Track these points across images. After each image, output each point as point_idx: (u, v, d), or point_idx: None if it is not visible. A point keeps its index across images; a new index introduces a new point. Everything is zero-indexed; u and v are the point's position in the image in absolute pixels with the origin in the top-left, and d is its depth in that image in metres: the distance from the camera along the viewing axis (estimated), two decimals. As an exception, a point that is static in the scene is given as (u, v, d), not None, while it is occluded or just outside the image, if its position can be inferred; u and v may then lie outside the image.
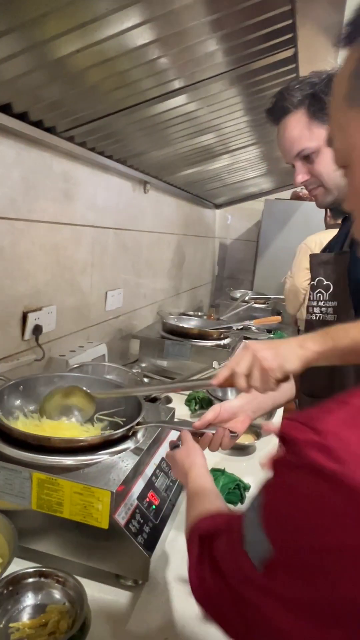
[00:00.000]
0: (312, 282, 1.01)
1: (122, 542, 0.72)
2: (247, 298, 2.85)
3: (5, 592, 0.65)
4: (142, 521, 0.76)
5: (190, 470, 0.71)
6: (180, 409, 1.50)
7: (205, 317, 2.59)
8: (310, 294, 1.01)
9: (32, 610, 0.64)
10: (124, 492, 0.76)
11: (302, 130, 0.93)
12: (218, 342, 1.76)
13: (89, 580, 0.74)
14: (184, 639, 0.67)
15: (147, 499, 0.81)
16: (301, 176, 0.96)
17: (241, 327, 1.89)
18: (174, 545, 0.84)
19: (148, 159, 1.73)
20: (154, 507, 0.81)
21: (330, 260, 0.97)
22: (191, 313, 2.67)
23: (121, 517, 0.73)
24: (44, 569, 0.68)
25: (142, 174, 1.84)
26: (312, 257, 1.03)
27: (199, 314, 2.72)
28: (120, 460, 0.81)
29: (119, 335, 1.91)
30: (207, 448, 0.85)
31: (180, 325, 1.82)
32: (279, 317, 1.96)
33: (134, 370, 1.66)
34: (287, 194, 3.41)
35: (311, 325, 0.99)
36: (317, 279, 0.99)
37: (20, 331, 1.25)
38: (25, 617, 0.63)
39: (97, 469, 0.77)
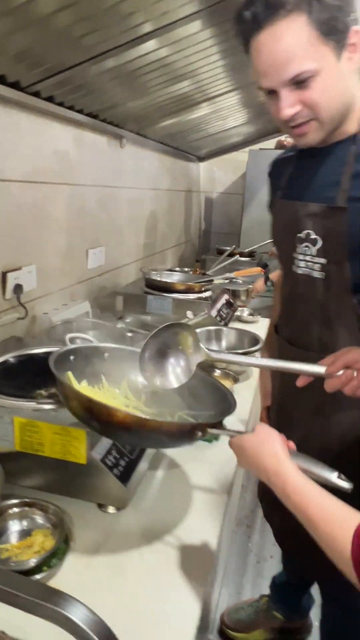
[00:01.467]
0: (298, 234, 0.91)
1: (99, 474, 0.80)
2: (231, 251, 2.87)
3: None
4: (118, 456, 0.83)
5: (279, 464, 0.60)
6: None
7: (190, 272, 2.62)
8: (295, 247, 0.92)
9: (20, 535, 0.72)
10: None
11: (303, 44, 0.72)
12: (199, 295, 1.80)
13: (75, 509, 0.82)
14: (157, 554, 0.75)
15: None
16: (290, 107, 0.76)
17: (222, 279, 1.93)
18: (151, 479, 0.93)
19: (122, 112, 1.70)
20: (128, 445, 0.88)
21: (321, 213, 0.86)
22: (177, 269, 2.70)
23: (98, 453, 0.80)
24: (27, 500, 0.75)
25: (117, 127, 1.82)
26: (300, 207, 0.90)
27: (185, 269, 2.75)
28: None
29: (104, 293, 1.95)
30: (344, 390, 0.72)
31: (161, 280, 1.85)
32: (259, 269, 2.00)
33: (119, 325, 1.72)
34: (271, 143, 3.35)
35: (295, 279, 0.94)
36: (305, 231, 0.90)
37: (1, 290, 1.29)
38: (13, 540, 0.71)
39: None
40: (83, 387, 0.82)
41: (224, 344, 1.62)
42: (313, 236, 0.89)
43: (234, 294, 2.06)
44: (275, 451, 0.62)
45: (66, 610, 0.48)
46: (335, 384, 0.71)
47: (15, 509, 0.74)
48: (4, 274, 1.29)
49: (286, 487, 0.58)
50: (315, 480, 0.60)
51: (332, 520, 0.54)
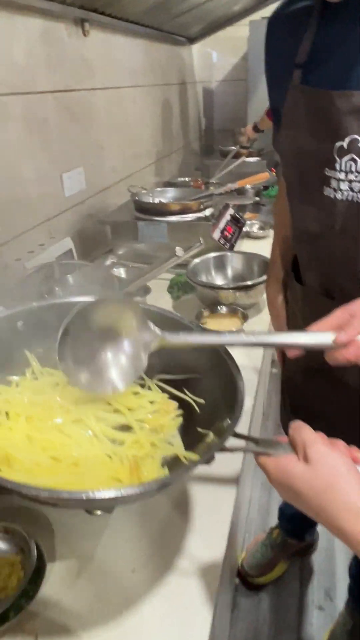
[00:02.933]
0: (338, 143, 0.65)
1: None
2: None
3: None
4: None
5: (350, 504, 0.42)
6: (161, 296, 1.37)
7: (191, 184, 2.30)
8: (333, 161, 0.66)
9: (-19, 566, 0.59)
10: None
11: None
12: (198, 215, 1.54)
13: (59, 511, 0.69)
14: (151, 569, 0.62)
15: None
16: None
17: (223, 192, 1.64)
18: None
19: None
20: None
21: None
22: (174, 182, 2.38)
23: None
24: (-11, 522, 0.61)
25: (76, 8, 1.43)
26: (340, 99, 0.62)
27: (186, 179, 2.43)
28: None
29: (90, 224, 1.70)
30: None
31: (152, 201, 1.58)
32: (267, 175, 1.69)
33: (109, 262, 1.50)
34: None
35: (329, 209, 0.68)
36: (350, 137, 0.63)
37: None
38: (-26, 574, 0.59)
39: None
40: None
41: (229, 272, 1.39)
42: None
43: (242, 207, 1.78)
44: (353, 502, 0.41)
45: None
46: (346, 355, 0.51)
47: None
48: None
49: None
50: None
51: None
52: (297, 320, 0.87)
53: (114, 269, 1.46)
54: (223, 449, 0.53)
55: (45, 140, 1.39)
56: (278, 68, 0.72)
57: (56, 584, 0.60)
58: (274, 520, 1.34)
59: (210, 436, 0.59)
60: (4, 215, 1.21)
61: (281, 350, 0.99)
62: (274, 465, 0.47)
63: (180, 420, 0.66)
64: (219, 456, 0.53)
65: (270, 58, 0.74)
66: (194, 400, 0.66)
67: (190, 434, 0.63)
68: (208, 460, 0.52)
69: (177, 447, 0.61)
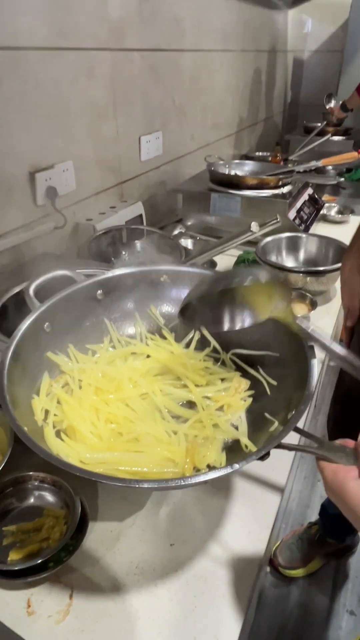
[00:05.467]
0: None
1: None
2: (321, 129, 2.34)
3: (1, 494, 0.61)
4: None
5: None
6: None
7: (269, 158, 2.20)
8: None
9: (27, 514, 0.61)
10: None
11: None
12: (275, 192, 1.46)
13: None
14: (190, 547, 0.61)
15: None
16: None
17: (304, 169, 1.54)
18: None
19: None
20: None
21: None
22: (252, 155, 2.29)
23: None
24: (40, 474, 0.63)
25: None
26: None
27: (264, 154, 2.33)
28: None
29: (162, 191, 1.67)
30: None
31: (228, 173, 1.52)
32: (355, 154, 1.56)
33: (177, 231, 1.47)
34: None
35: None
36: None
37: (31, 196, 1.08)
38: (20, 521, 0.60)
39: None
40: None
41: (301, 255, 1.32)
42: None
43: (320, 188, 1.67)
44: None
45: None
46: None
47: (28, 483, 0.62)
48: (32, 175, 1.07)
49: None
50: None
51: None
52: None
53: (182, 239, 1.43)
54: (281, 445, 0.49)
55: (128, 100, 1.36)
56: None
57: (96, 543, 0.61)
58: (314, 515, 1.30)
59: (275, 425, 0.55)
60: (79, 174, 1.21)
61: (349, 336, 0.93)
62: (332, 473, 0.44)
63: (249, 401, 0.62)
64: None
65: None
66: (267, 382, 0.62)
67: (256, 418, 0.60)
68: (263, 457, 0.49)
69: (241, 433, 0.58)
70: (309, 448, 0.48)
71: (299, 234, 1.33)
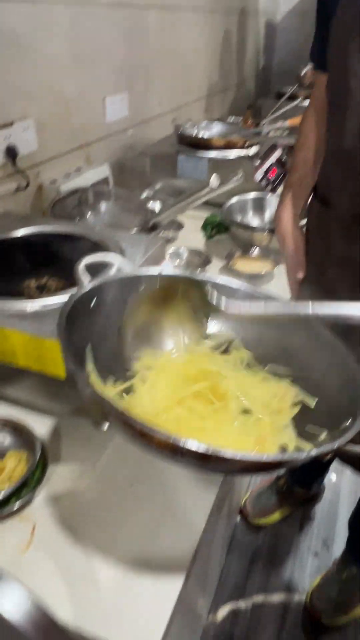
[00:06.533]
0: None
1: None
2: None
3: None
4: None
5: None
6: (195, 235, 1.34)
7: (240, 123, 2.18)
8: None
9: (-10, 457, 0.63)
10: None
11: None
12: (242, 153, 1.46)
13: (66, 423, 0.71)
14: (148, 485, 0.63)
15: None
16: None
17: (273, 130, 1.54)
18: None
19: None
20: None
21: None
22: (228, 120, 2.26)
23: (80, 366, 0.65)
24: (3, 418, 0.64)
25: None
26: None
27: (236, 119, 2.30)
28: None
29: (130, 154, 1.65)
30: None
31: (195, 134, 1.51)
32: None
33: (145, 195, 1.46)
34: None
35: None
36: None
37: (-11, 155, 1.06)
38: (-18, 464, 0.62)
39: (52, 314, 0.67)
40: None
41: (267, 215, 1.33)
42: None
43: (290, 150, 1.67)
44: None
45: None
46: None
47: (-13, 429, 0.64)
48: (-10, 133, 1.05)
49: None
50: None
51: None
52: (318, 251, 0.84)
53: (150, 203, 1.43)
54: (341, 451, 0.43)
55: (90, 58, 1.33)
56: None
57: (58, 484, 0.63)
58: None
59: (324, 435, 0.50)
60: (42, 134, 1.19)
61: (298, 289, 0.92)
62: None
63: (297, 408, 0.56)
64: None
65: None
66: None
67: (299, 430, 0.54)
68: (326, 454, 0.42)
69: (291, 436, 0.52)
70: None
71: (264, 195, 1.34)
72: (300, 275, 0.87)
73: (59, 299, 0.69)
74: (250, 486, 1.37)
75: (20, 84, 1.10)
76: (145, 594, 0.52)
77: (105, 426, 0.72)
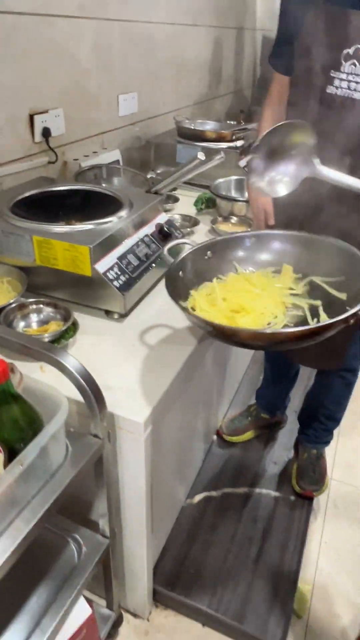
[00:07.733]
0: (345, 50, 0.89)
1: (102, 284, 0.96)
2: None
3: (18, 312, 0.92)
4: (119, 272, 0.98)
5: None
6: (188, 207, 1.64)
7: (234, 125, 2.50)
8: (339, 65, 0.90)
9: (38, 324, 0.93)
10: (104, 250, 0.97)
11: None
12: (231, 144, 1.78)
13: (85, 316, 1.01)
14: (153, 345, 0.94)
15: (126, 259, 1.02)
16: None
17: (255, 127, 1.85)
18: (155, 298, 1.09)
19: None
20: (131, 266, 1.02)
21: None
22: (217, 121, 2.58)
23: (101, 267, 0.95)
24: (43, 299, 0.94)
25: None
26: (352, 15, 0.86)
27: (230, 122, 2.62)
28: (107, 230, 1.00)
29: (137, 144, 1.96)
30: None
31: (192, 127, 1.83)
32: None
33: (149, 176, 1.77)
34: None
35: (328, 103, 0.93)
36: (355, 46, 0.87)
37: (29, 133, 1.38)
38: (34, 327, 0.92)
39: (83, 233, 0.98)
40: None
41: (246, 193, 1.64)
42: None
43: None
44: None
45: (62, 358, 0.68)
46: None
47: (35, 306, 0.94)
48: (31, 117, 1.36)
49: None
50: None
51: None
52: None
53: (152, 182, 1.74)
54: None
55: (108, 62, 1.65)
56: None
57: (81, 343, 0.93)
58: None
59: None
60: (69, 121, 1.50)
61: None
62: None
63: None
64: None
65: None
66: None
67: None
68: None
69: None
70: None
71: (245, 177, 1.65)
72: (270, 221, 1.18)
73: (84, 227, 1.00)
74: (228, 414, 1.67)
75: (55, 81, 1.42)
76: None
77: (115, 315, 1.02)
